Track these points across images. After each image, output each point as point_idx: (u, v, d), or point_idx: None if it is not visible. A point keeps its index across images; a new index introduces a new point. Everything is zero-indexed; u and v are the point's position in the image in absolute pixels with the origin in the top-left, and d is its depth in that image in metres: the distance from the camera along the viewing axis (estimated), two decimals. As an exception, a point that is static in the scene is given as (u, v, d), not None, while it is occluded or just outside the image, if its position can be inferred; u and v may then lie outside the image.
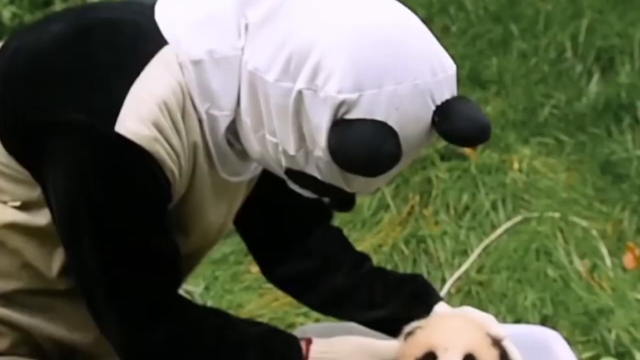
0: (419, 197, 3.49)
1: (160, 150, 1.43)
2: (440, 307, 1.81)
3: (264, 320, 2.94)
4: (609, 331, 2.88)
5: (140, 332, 1.53)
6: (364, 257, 1.89)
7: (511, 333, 1.93)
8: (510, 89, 4.25)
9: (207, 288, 3.16)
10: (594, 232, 3.37)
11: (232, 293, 3.15)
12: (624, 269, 3.26)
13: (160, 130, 1.43)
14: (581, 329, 2.91)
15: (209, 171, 1.54)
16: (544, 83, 4.27)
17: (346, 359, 1.64)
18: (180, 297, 1.60)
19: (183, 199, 1.55)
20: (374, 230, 3.37)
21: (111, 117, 1.42)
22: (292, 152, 1.43)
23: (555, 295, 3.02)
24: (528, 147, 3.83)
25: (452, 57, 1.53)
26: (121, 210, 1.46)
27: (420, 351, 1.68)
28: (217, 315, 1.64)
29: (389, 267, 3.18)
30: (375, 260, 3.06)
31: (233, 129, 1.52)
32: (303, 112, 1.39)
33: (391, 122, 1.37)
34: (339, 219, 3.23)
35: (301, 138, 1.41)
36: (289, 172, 1.47)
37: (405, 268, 3.19)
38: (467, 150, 3.74)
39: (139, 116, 1.42)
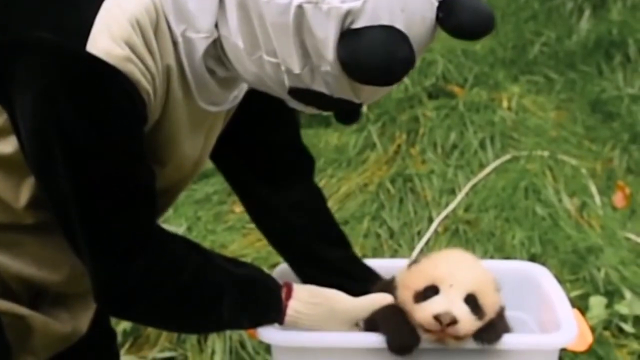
0: (405, 135, 3.46)
1: (134, 70, 1.36)
2: None
3: (247, 260, 2.89)
4: (598, 269, 2.87)
5: (115, 264, 1.46)
6: (344, 238, 1.88)
7: (499, 268, 1.90)
8: (499, 26, 4.20)
9: (189, 228, 3.14)
10: (584, 171, 3.37)
11: (215, 233, 3.13)
12: (614, 208, 3.27)
13: (133, 49, 1.35)
14: (570, 267, 2.90)
15: (184, 99, 1.47)
16: (534, 20, 4.25)
17: (320, 323, 1.62)
18: (162, 230, 1.52)
19: (157, 127, 1.46)
20: (360, 169, 3.35)
21: (82, 36, 1.34)
22: (297, 70, 1.34)
23: (543, 234, 3.01)
24: (517, 85, 3.83)
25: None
26: (94, 134, 1.38)
27: (423, 283, 1.63)
28: (199, 253, 1.57)
29: (374, 206, 3.18)
30: (361, 199, 3.22)
31: (215, 55, 1.44)
32: (305, 27, 1.31)
33: (399, 25, 1.31)
34: (323, 158, 3.33)
35: (305, 55, 1.34)
36: (293, 91, 1.40)
37: (391, 207, 3.17)
38: (455, 88, 3.73)
39: (110, 34, 1.34)
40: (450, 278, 1.62)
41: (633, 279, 2.85)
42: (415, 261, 1.70)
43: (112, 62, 1.34)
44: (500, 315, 1.69)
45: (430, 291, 1.61)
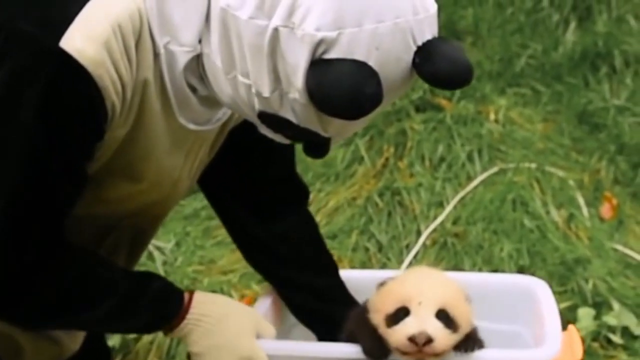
0: (393, 148, 3.45)
1: (104, 75, 1.33)
2: None
3: (236, 275, 2.92)
4: (586, 281, 2.86)
5: (9, 262, 1.42)
6: (334, 265, 1.88)
7: (494, 281, 1.96)
8: (486, 39, 4.22)
9: (178, 244, 3.12)
10: (571, 182, 3.36)
11: (204, 249, 3.11)
12: (601, 219, 3.26)
13: (110, 53, 1.33)
14: (558, 279, 2.88)
15: (163, 113, 1.45)
16: (520, 33, 4.24)
17: (223, 331, 1.58)
18: (67, 243, 1.47)
19: (131, 139, 1.44)
20: (348, 183, 3.33)
21: (59, 31, 1.32)
22: (266, 93, 1.35)
23: (531, 246, 3.00)
24: (504, 98, 3.81)
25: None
26: (41, 130, 1.34)
27: (392, 306, 1.64)
28: (95, 256, 1.54)
29: (363, 220, 3.16)
30: (349, 213, 3.20)
31: (196, 71, 1.43)
32: (279, 51, 1.31)
33: (371, 63, 1.30)
34: (311, 172, 3.32)
35: (276, 79, 1.33)
36: (262, 115, 1.39)
37: (379, 221, 3.16)
38: (442, 101, 3.71)
39: (89, 34, 1.32)
40: (419, 296, 1.62)
41: (621, 290, 2.85)
42: (383, 283, 1.70)
43: (83, 62, 1.32)
44: (475, 330, 1.70)
45: (401, 313, 1.61)
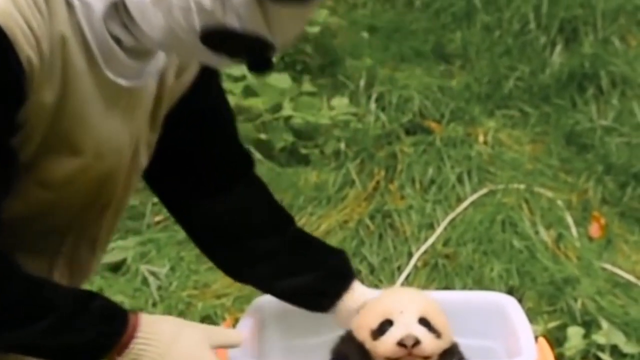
0: (384, 172, 3.47)
1: (12, 26, 1.23)
2: (357, 285, 1.78)
3: (230, 299, 2.93)
4: (575, 300, 2.88)
5: None
6: (288, 220, 1.77)
7: (464, 299, 2.00)
8: (474, 62, 4.28)
9: (172, 269, 3.12)
10: (560, 203, 3.37)
11: (197, 273, 3.11)
12: (590, 238, 3.28)
13: (15, 4, 1.24)
14: (547, 298, 2.91)
15: (89, 70, 1.35)
16: (508, 55, 4.29)
17: (177, 349, 1.40)
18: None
19: (60, 104, 1.34)
20: (339, 207, 3.35)
21: None
22: (208, 6, 1.27)
23: (521, 266, 3.01)
24: (493, 120, 3.85)
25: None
26: None
27: (376, 320, 1.68)
28: (33, 279, 1.37)
29: (354, 242, 3.18)
30: (341, 236, 3.21)
31: (119, 20, 1.36)
32: None
33: None
34: (302, 196, 3.33)
35: None
36: (204, 34, 1.30)
37: (371, 243, 3.17)
38: (432, 124, 3.76)
39: None
40: (399, 307, 1.67)
41: (610, 308, 2.87)
42: (362, 305, 1.74)
43: None
44: (456, 345, 1.74)
45: (386, 325, 1.66)
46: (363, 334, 1.71)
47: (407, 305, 1.69)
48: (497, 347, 1.94)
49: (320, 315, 2.02)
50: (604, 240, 3.28)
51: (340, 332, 1.89)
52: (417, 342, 1.63)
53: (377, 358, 1.69)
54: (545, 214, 3.28)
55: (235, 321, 1.93)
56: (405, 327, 1.65)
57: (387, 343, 1.65)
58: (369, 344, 1.69)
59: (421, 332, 1.65)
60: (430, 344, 1.65)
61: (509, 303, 1.96)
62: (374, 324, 1.68)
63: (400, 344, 1.63)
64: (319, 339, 2.01)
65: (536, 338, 1.80)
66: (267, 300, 2.05)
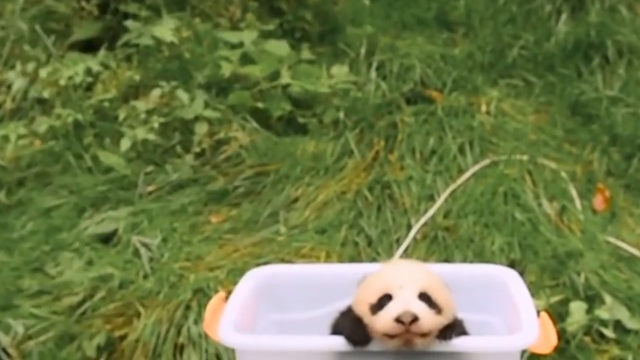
0: (383, 142, 3.42)
1: None
2: None
3: (223, 272, 2.87)
4: (578, 274, 2.83)
5: None
6: None
7: (464, 271, 1.96)
8: (478, 30, 4.21)
9: (164, 240, 3.08)
10: (563, 174, 3.33)
11: (190, 244, 3.07)
12: (594, 211, 3.23)
13: None
14: (550, 272, 2.86)
15: None
16: (512, 23, 4.22)
17: None
18: None
19: None
20: (338, 177, 3.30)
21: None
22: None
23: (523, 239, 2.97)
24: (496, 89, 3.79)
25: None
26: None
27: (375, 295, 1.66)
28: None
29: (352, 214, 3.13)
30: (338, 207, 3.17)
31: None
32: None
33: None
34: (300, 166, 3.29)
35: None
36: None
37: (369, 215, 3.12)
38: (433, 93, 3.69)
39: None
40: (399, 281, 1.65)
41: (613, 283, 2.81)
42: (363, 279, 1.72)
43: None
44: (457, 319, 1.71)
45: (384, 299, 1.64)
46: (362, 308, 1.68)
47: (407, 279, 1.66)
48: (496, 322, 1.92)
49: (315, 289, 2.03)
50: (609, 213, 3.23)
51: (337, 305, 1.85)
52: (415, 319, 1.59)
53: (375, 334, 1.67)
54: (548, 186, 3.23)
55: (228, 294, 1.90)
56: (404, 302, 1.62)
57: (385, 319, 1.62)
58: (368, 318, 1.67)
59: (420, 308, 1.62)
60: (429, 320, 1.62)
61: (510, 276, 1.93)
62: (373, 298, 1.66)
63: (398, 320, 1.60)
64: (313, 312, 2.01)
65: (538, 313, 1.76)
66: (261, 273, 2.05)
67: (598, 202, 3.28)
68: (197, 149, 3.37)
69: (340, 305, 1.84)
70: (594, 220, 3.16)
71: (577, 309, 2.70)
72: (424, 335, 1.63)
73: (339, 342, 1.69)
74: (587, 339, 2.64)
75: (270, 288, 2.03)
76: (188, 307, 2.73)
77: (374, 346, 1.69)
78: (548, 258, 2.90)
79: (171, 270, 2.91)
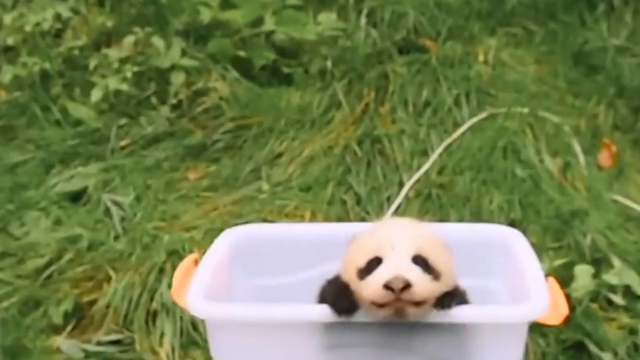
0: (374, 93, 3.33)
1: None
2: None
3: (200, 232, 2.78)
4: (584, 235, 2.71)
5: None
6: None
7: (463, 231, 1.89)
8: (475, -26, 4.09)
9: (137, 198, 2.99)
10: (567, 128, 3.23)
11: (166, 203, 2.97)
12: (599, 167, 3.15)
13: None
14: (553, 233, 2.74)
15: None
16: (511, -32, 4.10)
17: None
18: None
19: None
20: (324, 131, 3.20)
21: None
22: None
23: (524, 197, 2.86)
24: (494, 38, 3.69)
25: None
26: None
27: (364, 257, 1.53)
28: None
29: (340, 170, 3.05)
30: (325, 163, 3.06)
31: None
32: None
33: None
34: (284, 119, 3.21)
35: None
36: None
37: (358, 171, 3.02)
38: (427, 42, 3.60)
39: None
40: (391, 241, 1.52)
41: (622, 245, 2.70)
42: (352, 240, 1.61)
43: None
44: (458, 287, 1.60)
45: (374, 263, 1.51)
46: (349, 273, 1.56)
47: (399, 240, 1.53)
48: (498, 288, 1.85)
49: (299, 251, 1.94)
50: (615, 169, 3.15)
51: (322, 269, 1.76)
52: (407, 285, 1.45)
53: (362, 302, 1.54)
54: (550, 141, 3.14)
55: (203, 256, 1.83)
56: (395, 266, 1.48)
57: (373, 284, 1.48)
58: (355, 284, 1.54)
59: (414, 273, 1.48)
60: (424, 287, 1.48)
61: (514, 236, 1.84)
62: (362, 261, 1.53)
63: (387, 286, 1.45)
64: (296, 277, 1.94)
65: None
66: (238, 233, 1.97)
67: (604, 157, 3.20)
68: (173, 101, 3.33)
69: (326, 269, 1.74)
70: (599, 177, 3.07)
71: (583, 273, 2.57)
72: (417, 304, 1.48)
73: (322, 312, 1.56)
74: (595, 306, 2.51)
75: (248, 250, 1.95)
76: (162, 271, 2.63)
77: (362, 316, 1.56)
78: (551, 218, 2.79)
79: (144, 230, 2.81)
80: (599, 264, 2.63)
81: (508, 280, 1.82)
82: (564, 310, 1.62)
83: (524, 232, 2.60)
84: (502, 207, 2.83)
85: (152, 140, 3.27)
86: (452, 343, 1.58)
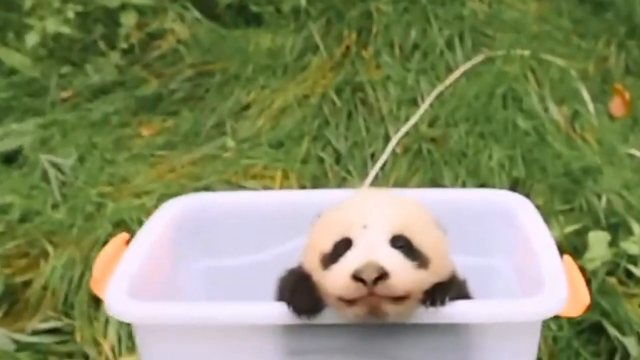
0: (355, 35, 3.20)
1: None
2: None
3: (153, 198, 2.63)
4: (598, 196, 2.58)
5: None
6: None
7: (459, 199, 1.78)
8: None
9: (81, 158, 2.86)
10: (573, 73, 3.12)
11: (114, 164, 2.84)
12: (611, 117, 3.06)
13: None
14: (562, 194, 2.63)
15: None
16: None
17: None
18: None
19: None
20: (299, 78, 3.10)
21: None
22: None
23: (527, 152, 2.76)
24: None
25: None
26: None
27: (329, 240, 1.32)
28: None
29: (316, 123, 2.96)
30: (300, 114, 2.93)
31: None
32: None
33: None
34: (253, 65, 3.10)
35: None
36: None
37: (337, 123, 2.90)
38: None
39: None
40: (363, 219, 1.31)
41: None
42: (318, 216, 1.41)
43: None
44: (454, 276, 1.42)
45: (341, 246, 1.30)
46: (312, 261, 1.35)
47: (374, 215, 1.33)
48: (502, 267, 1.71)
49: (253, 229, 1.78)
50: (629, 119, 3.06)
51: (288, 246, 1.67)
52: (382, 275, 1.24)
53: (328, 298, 1.31)
54: (555, 87, 3.02)
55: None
56: (367, 250, 1.27)
57: (339, 274, 1.26)
58: (318, 274, 1.33)
59: (392, 259, 1.26)
60: (405, 277, 1.26)
61: (521, 204, 1.70)
62: (327, 245, 1.33)
63: (356, 277, 1.24)
64: (248, 258, 1.79)
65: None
66: (182, 204, 1.78)
67: (616, 105, 3.10)
68: (123, 45, 3.22)
69: (293, 246, 1.59)
70: (612, 128, 2.99)
71: (598, 240, 2.40)
72: (398, 299, 1.26)
73: (279, 312, 1.34)
74: (612, 280, 2.33)
75: (197, 224, 1.77)
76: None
77: (329, 317, 1.34)
78: (559, 176, 2.68)
79: (87, 197, 2.66)
80: (616, 229, 2.49)
81: (513, 258, 1.67)
82: (585, 299, 1.42)
83: (529, 192, 2.61)
84: (503, 163, 2.74)
85: (98, 91, 3.18)
86: (446, 348, 1.35)
